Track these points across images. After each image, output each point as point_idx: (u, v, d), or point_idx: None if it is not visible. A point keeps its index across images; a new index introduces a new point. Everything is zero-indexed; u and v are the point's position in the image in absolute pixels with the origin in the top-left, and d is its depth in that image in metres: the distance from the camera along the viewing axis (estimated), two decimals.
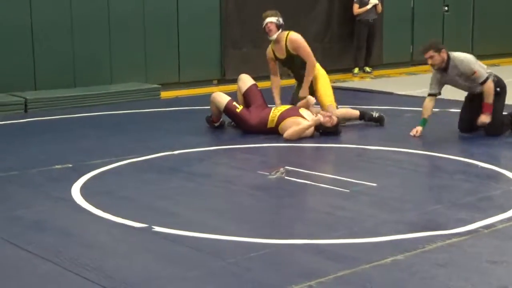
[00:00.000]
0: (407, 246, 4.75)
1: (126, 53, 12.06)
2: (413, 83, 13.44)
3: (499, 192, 6.09)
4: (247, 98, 8.61)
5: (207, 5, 12.95)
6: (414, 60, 15.89)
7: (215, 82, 13.27)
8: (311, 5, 14.25)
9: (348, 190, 6.12)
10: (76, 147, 8.05)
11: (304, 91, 8.73)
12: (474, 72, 7.96)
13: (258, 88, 8.72)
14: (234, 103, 8.49)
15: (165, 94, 11.89)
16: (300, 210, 5.69)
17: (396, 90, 12.10)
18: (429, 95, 8.25)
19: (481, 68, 8.06)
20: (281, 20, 8.72)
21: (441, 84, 8.21)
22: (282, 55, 8.82)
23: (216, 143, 8.20)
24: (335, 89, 12.17)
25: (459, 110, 8.47)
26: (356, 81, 13.94)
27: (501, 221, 5.26)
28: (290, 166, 6.88)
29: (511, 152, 7.73)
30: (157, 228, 5.17)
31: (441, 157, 7.38)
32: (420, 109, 8.39)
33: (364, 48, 14.52)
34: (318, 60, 14.73)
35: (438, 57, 7.95)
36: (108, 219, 5.42)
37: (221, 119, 8.78)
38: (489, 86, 8.00)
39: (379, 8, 14.48)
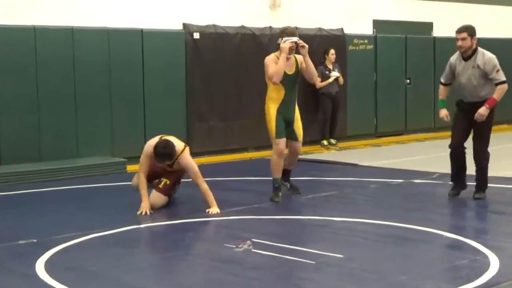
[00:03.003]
0: None
1: (92, 127, 12.07)
2: (377, 154, 13.61)
3: (465, 262, 6.11)
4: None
5: (173, 79, 13.07)
6: (378, 132, 16.12)
7: None
8: None
9: (314, 262, 6.11)
10: (42, 221, 7.97)
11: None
12: (498, 70, 8.34)
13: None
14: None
15: (131, 168, 11.84)
16: (268, 283, 5.66)
17: (360, 162, 12.21)
18: (441, 83, 8.85)
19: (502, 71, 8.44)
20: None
21: (452, 76, 8.66)
22: (291, 70, 8.76)
23: (182, 217, 8.16)
24: (300, 161, 12.24)
25: (423, 181, 8.54)
26: (321, 153, 14.05)
27: None
28: (256, 239, 6.87)
29: (474, 222, 7.79)
30: None
31: (405, 228, 7.41)
32: (385, 180, 8.47)
33: (329, 120, 14.71)
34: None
35: (469, 41, 8.39)
36: None
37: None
38: (504, 87, 8.36)
39: (341, 80, 14.74)
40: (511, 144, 15.16)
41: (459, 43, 8.43)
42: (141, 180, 8.42)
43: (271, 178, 9.01)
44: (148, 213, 8.18)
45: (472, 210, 8.31)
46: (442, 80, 8.86)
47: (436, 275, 5.77)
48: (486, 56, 8.43)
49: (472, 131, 8.68)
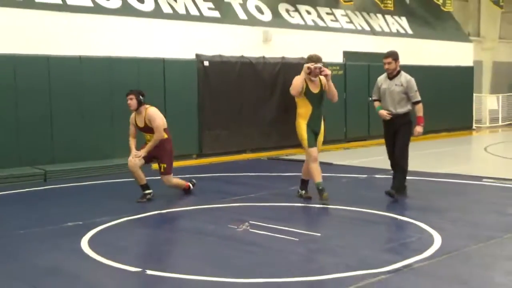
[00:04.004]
0: (347, 282, 4.72)
1: (124, 135, 11.97)
2: (347, 155, 13.58)
3: (414, 239, 6.11)
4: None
5: (187, 98, 13.04)
6: (347, 137, 16.13)
7: (194, 156, 13.26)
8: (267, 97, 14.44)
9: (298, 239, 6.09)
10: (85, 208, 7.94)
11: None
12: (416, 90, 8.15)
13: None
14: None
15: (155, 166, 11.78)
16: (261, 256, 5.64)
17: (334, 161, 12.19)
18: (374, 100, 8.54)
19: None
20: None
21: (379, 92, 8.40)
22: (316, 90, 8.15)
23: (196, 204, 8.14)
24: (287, 160, 12.22)
25: (383, 176, 8.50)
26: (303, 154, 13.99)
27: (417, 262, 5.26)
28: (253, 221, 6.84)
29: (422, 207, 7.76)
30: (149, 272, 5.08)
31: (370, 212, 7.40)
32: (354, 175, 8.43)
33: None
34: (274, 139, 14.94)
35: (393, 65, 8.22)
36: (110, 265, 5.32)
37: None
38: (421, 106, 8.26)
39: None
40: (449, 148, 15.18)
41: (386, 66, 8.21)
42: (130, 142, 8.65)
43: (265, 174, 8.98)
44: (133, 157, 8.38)
45: (421, 199, 8.29)
46: (375, 97, 8.51)
47: (392, 249, 5.77)
48: (408, 78, 8.20)
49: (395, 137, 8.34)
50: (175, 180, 8.73)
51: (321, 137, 8.30)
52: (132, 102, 8.46)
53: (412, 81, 8.24)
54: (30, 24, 11.09)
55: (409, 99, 8.21)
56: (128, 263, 5.30)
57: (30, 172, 10.33)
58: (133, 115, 8.64)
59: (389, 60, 8.22)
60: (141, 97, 8.50)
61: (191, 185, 8.93)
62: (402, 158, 8.29)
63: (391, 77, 8.29)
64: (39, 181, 10.22)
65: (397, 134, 8.28)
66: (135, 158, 8.38)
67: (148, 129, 8.49)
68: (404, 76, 8.25)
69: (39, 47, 11.09)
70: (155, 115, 8.44)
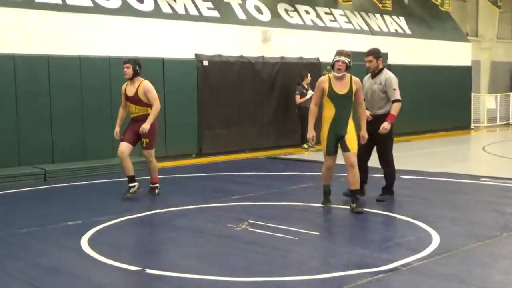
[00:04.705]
0: (345, 281, 4.73)
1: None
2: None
3: (413, 238, 6.11)
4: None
5: (187, 97, 13.05)
6: None
7: (193, 155, 13.27)
8: (266, 97, 14.45)
9: (297, 238, 6.10)
10: (85, 207, 7.94)
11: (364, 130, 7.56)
12: (395, 89, 7.74)
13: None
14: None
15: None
16: (260, 254, 5.65)
17: None
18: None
19: (399, 91, 7.81)
20: (350, 62, 7.40)
21: (364, 93, 7.90)
22: (342, 90, 7.34)
23: (196, 203, 8.15)
24: (286, 160, 12.22)
25: (381, 175, 8.42)
26: (302, 154, 14.03)
27: (415, 261, 5.27)
28: (252, 220, 6.85)
29: (420, 207, 7.78)
30: (149, 271, 5.09)
31: (367, 211, 7.40)
32: None
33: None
34: (273, 138, 14.96)
35: (375, 63, 7.89)
36: (110, 264, 5.32)
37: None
38: (399, 105, 7.77)
39: None
40: (447, 147, 15.19)
41: (367, 64, 7.86)
42: (120, 112, 8.74)
43: (264, 173, 8.98)
44: (116, 135, 8.58)
45: (419, 198, 8.30)
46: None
47: (390, 248, 5.77)
48: (388, 75, 7.82)
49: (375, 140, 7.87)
50: (155, 161, 8.64)
51: (349, 137, 7.42)
52: (128, 70, 8.47)
53: (392, 79, 7.81)
54: (30, 24, 11.08)
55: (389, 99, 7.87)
56: (128, 262, 5.31)
57: (30, 172, 10.33)
58: (125, 84, 8.63)
59: (370, 58, 7.89)
60: (137, 67, 8.52)
61: (158, 188, 8.69)
62: (386, 165, 8.06)
63: (373, 75, 8.00)
64: (39, 180, 10.23)
65: (376, 139, 7.85)
66: (123, 144, 8.39)
67: (136, 100, 8.44)
68: (385, 74, 7.91)
69: (38, 47, 11.09)
70: (151, 87, 8.45)
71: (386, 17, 18.39)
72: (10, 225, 6.93)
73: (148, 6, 12.91)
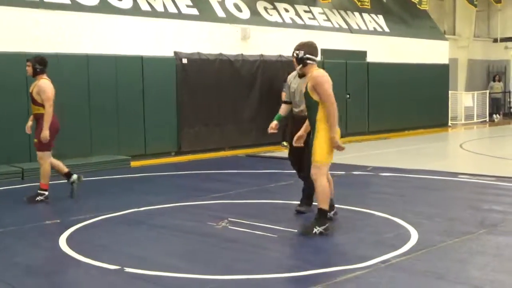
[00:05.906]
0: (323, 278, 4.74)
1: (103, 132, 11.97)
2: None
3: (391, 235, 6.15)
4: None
5: (166, 95, 13.00)
6: None
7: (173, 153, 13.22)
8: (245, 95, 14.44)
9: (276, 236, 6.10)
10: (63, 206, 7.87)
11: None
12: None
13: None
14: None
15: (134, 164, 11.77)
16: (240, 252, 5.64)
17: None
18: (284, 102, 7.38)
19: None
20: (302, 54, 6.31)
21: (291, 92, 7.19)
22: (304, 88, 6.39)
23: (175, 201, 8.11)
24: (265, 158, 12.22)
25: (361, 173, 8.51)
26: (282, 151, 14.04)
27: (394, 257, 5.30)
28: (232, 218, 6.84)
29: (399, 204, 7.83)
30: (128, 269, 5.05)
31: (348, 209, 7.43)
32: (331, 172, 8.34)
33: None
34: (252, 136, 14.94)
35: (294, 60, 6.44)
36: (88, 263, 5.28)
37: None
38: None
39: None
40: (425, 144, 15.32)
41: (293, 58, 6.45)
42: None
43: (243, 171, 8.96)
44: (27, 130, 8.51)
45: (397, 195, 8.35)
46: (286, 100, 7.31)
47: (369, 245, 5.79)
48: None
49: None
50: (47, 166, 8.22)
51: (315, 142, 6.38)
52: (29, 69, 8.24)
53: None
54: (5, 21, 10.94)
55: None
56: (107, 261, 5.27)
57: (7, 170, 10.21)
58: (34, 82, 8.32)
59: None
60: (37, 65, 8.20)
61: (42, 196, 8.24)
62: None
63: (301, 74, 6.70)
64: (17, 179, 10.11)
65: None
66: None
67: (32, 98, 8.19)
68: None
69: (14, 45, 10.96)
70: (46, 87, 8.06)
71: (365, 15, 18.48)
72: None
73: (127, 3, 12.83)
